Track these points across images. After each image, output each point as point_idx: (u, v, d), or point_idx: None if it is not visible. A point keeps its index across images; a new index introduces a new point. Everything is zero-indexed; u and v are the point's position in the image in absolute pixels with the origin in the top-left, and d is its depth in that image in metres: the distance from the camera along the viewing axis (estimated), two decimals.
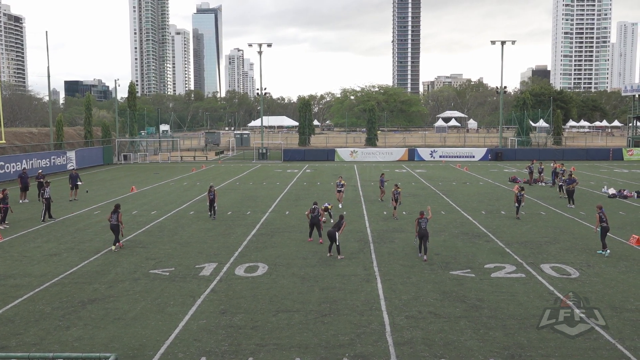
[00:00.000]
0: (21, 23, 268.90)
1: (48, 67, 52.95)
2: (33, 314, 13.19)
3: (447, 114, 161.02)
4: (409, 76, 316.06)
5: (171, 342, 11.54)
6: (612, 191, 31.71)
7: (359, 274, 16.35)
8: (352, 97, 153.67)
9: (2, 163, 40.49)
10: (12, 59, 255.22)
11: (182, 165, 54.89)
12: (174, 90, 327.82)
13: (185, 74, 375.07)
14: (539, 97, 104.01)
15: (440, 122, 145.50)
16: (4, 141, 38.83)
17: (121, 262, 17.70)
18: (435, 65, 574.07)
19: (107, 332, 12.07)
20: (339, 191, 27.82)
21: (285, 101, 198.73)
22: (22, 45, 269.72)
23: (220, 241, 20.54)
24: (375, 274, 16.35)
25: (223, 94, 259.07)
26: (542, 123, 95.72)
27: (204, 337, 11.71)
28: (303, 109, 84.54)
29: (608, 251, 18.19)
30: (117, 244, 19.21)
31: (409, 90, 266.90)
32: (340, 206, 27.08)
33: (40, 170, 42.74)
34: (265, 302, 13.88)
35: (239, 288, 15.00)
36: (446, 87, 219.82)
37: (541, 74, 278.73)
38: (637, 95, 70.81)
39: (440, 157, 60.20)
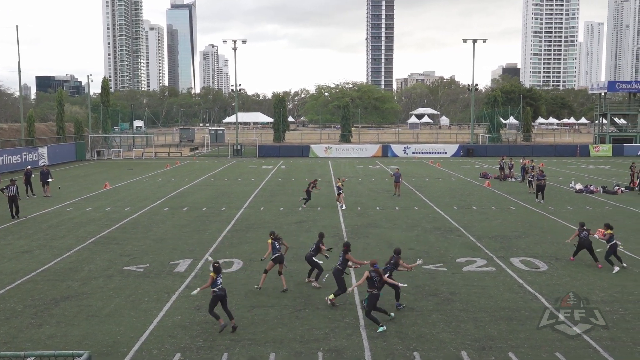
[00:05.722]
0: None
1: (19, 61, 51.87)
2: (4, 312, 13.04)
3: (420, 110, 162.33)
4: (383, 73, 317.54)
5: (145, 338, 11.55)
6: (579, 186, 32.47)
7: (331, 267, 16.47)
8: (326, 94, 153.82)
9: None
10: None
11: (156, 162, 54.38)
12: (148, 86, 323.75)
13: (160, 69, 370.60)
14: (509, 95, 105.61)
15: (413, 119, 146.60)
16: None
17: (94, 259, 17.55)
18: (409, 63, 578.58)
19: (80, 330, 12.01)
20: (339, 194, 27.00)
21: (261, 97, 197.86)
22: None
23: (195, 237, 20.50)
24: (350, 269, 16.49)
25: (198, 90, 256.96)
26: (512, 120, 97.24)
27: (179, 334, 11.74)
28: (278, 105, 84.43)
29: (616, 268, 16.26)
30: None
31: (383, 87, 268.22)
32: (343, 207, 26.43)
33: (44, 164, 42.17)
34: (240, 298, 13.94)
35: None
36: (419, 85, 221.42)
37: (511, 72, 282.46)
38: (603, 93, 72.51)
39: (413, 153, 60.76)
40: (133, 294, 14.23)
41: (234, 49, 65.12)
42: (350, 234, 21.12)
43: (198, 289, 12.45)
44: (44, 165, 40.12)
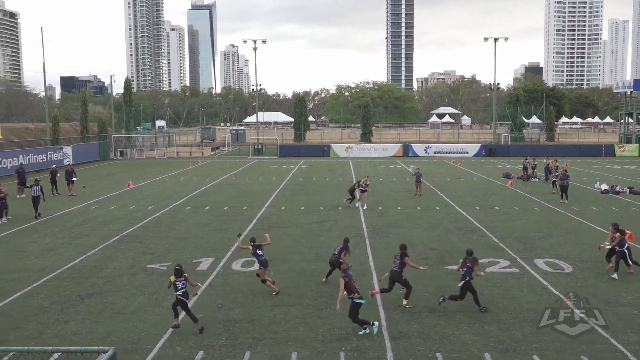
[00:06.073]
0: (16, 19, 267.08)
1: (44, 63, 52.70)
2: (31, 308, 13.26)
3: (441, 110, 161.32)
4: (403, 73, 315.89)
5: (169, 336, 11.65)
6: (604, 187, 31.95)
7: (355, 268, 16.44)
8: (346, 94, 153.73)
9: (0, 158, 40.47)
10: (7, 54, 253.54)
11: (178, 161, 54.86)
12: (170, 86, 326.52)
13: (181, 70, 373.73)
14: (532, 94, 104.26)
15: (434, 119, 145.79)
16: (0, 137, 38.80)
17: (118, 257, 17.76)
18: (429, 62, 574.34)
19: (105, 326, 12.16)
20: (363, 191, 26.58)
21: (281, 97, 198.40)
22: (17, 41, 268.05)
23: (217, 236, 20.63)
24: (371, 268, 16.50)
25: (218, 90, 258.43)
26: (535, 119, 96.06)
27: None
28: (298, 105, 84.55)
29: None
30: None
31: (403, 86, 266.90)
32: (365, 207, 26.22)
33: (69, 163, 42.94)
34: (262, 297, 13.99)
35: (236, 283, 15.11)
36: (440, 84, 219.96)
37: (534, 70, 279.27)
38: (628, 92, 71.21)
39: (435, 153, 60.39)
40: (156, 291, 14.37)
41: (254, 48, 65.38)
42: (372, 233, 21.06)
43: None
44: (69, 164, 40.80)
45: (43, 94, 73.02)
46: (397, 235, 20.77)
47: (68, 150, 49.52)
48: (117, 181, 37.53)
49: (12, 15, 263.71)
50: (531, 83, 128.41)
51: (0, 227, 22.07)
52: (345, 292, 11.63)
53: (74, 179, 31.38)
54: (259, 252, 14.09)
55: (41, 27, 53.64)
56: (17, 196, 29.39)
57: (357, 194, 27.11)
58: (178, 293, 11.72)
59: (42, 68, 52.98)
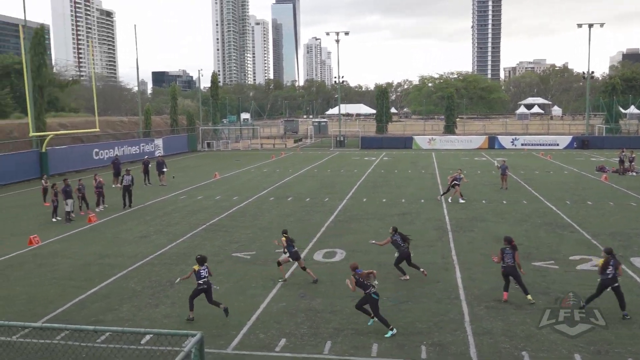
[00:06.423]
0: (112, 17, 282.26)
1: (137, 59, 55.68)
2: (126, 291, 14.06)
3: (530, 100, 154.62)
4: (489, 62, 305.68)
5: (253, 323, 11.97)
6: None
7: (437, 262, 16.23)
8: (430, 85, 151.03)
9: (97, 150, 43.13)
10: (104, 52, 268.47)
11: (262, 153, 56.12)
12: (254, 80, 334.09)
13: (265, 63, 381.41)
14: (630, 82, 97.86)
15: (522, 109, 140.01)
16: (98, 129, 41.35)
17: (205, 244, 18.45)
18: (517, 51, 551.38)
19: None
20: (456, 185, 25.76)
21: (363, 89, 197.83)
22: (113, 38, 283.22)
23: (299, 227, 20.94)
24: (454, 262, 16.17)
25: (301, 83, 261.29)
26: (633, 109, 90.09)
27: (284, 320, 12.06)
28: (380, 96, 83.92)
29: None
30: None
31: (489, 76, 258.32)
32: (461, 200, 25.46)
33: (160, 154, 45.38)
34: (343, 288, 14.03)
35: (318, 273, 15.26)
36: (529, 73, 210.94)
37: (632, 57, 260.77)
38: None
39: (522, 145, 58.09)
40: (241, 279, 14.80)
41: (337, 41, 65.53)
42: (455, 227, 20.62)
43: (179, 278, 12.78)
44: (160, 155, 42.81)
45: (136, 88, 76.82)
46: (481, 229, 20.23)
47: (159, 142, 51.96)
48: (204, 172, 38.91)
49: (108, 14, 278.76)
50: (629, 71, 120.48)
51: (98, 215, 23.49)
52: (358, 288, 11.50)
53: (165, 169, 32.89)
54: (292, 245, 14.47)
55: (134, 25, 56.50)
56: (113, 186, 31.10)
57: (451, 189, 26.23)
58: (200, 282, 11.86)
59: (135, 64, 55.79)
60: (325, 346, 10.82)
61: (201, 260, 12.04)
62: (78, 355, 10.18)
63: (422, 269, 14.69)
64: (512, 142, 58.86)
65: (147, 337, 10.90)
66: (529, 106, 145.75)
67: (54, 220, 22.61)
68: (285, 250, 14.44)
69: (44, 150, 36.66)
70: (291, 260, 14.52)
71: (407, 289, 13.90)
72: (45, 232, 20.44)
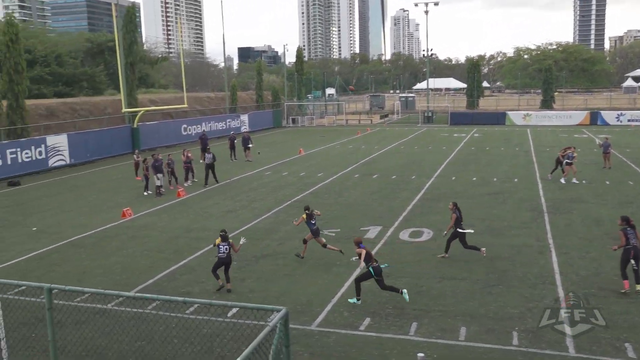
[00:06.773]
0: None
1: (223, 35, 56.56)
2: (212, 264, 14.32)
3: (639, 72, 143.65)
4: (593, 32, 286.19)
5: (337, 300, 11.85)
6: None
7: (532, 245, 15.36)
8: (526, 57, 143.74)
9: (186, 125, 44.47)
10: (192, 28, 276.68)
11: (347, 129, 55.85)
12: (340, 54, 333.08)
13: (350, 37, 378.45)
14: None
15: (629, 82, 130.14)
16: (186, 105, 42.66)
17: (290, 221, 18.47)
18: (625, 19, 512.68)
19: (278, 287, 12.74)
20: (569, 164, 23.90)
21: (453, 62, 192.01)
22: (200, 15, 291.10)
23: (385, 205, 20.56)
24: (550, 246, 15.24)
25: (388, 57, 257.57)
26: None
27: (369, 298, 11.83)
28: (472, 70, 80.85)
29: None
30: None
31: (592, 47, 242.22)
32: (574, 181, 23.78)
33: (245, 130, 46.42)
34: (429, 268, 13.64)
35: (404, 252, 14.92)
36: (637, 42, 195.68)
37: None
38: None
39: (629, 121, 53.98)
40: (325, 256, 14.69)
41: (426, 12, 63.65)
42: (551, 208, 19.45)
43: (243, 239, 13.16)
44: (245, 131, 43.59)
45: (223, 64, 78.61)
46: (580, 211, 18.96)
47: (245, 118, 52.90)
48: (289, 148, 39.21)
49: None
50: None
51: (187, 189, 24.21)
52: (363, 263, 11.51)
53: (250, 145, 33.39)
54: (312, 221, 14.30)
55: (221, 1, 57.31)
56: (200, 161, 31.96)
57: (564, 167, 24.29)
58: (219, 255, 12.32)
59: (222, 40, 56.92)
60: (411, 327, 10.51)
61: (223, 237, 12.47)
62: (168, 325, 10.49)
63: (482, 249, 14.22)
64: (617, 118, 54.84)
65: (234, 310, 11.04)
66: (638, 79, 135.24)
67: (145, 194, 23.56)
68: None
69: (135, 125, 38.26)
70: (314, 236, 14.36)
71: (498, 272, 13.25)
72: (137, 205, 21.33)
